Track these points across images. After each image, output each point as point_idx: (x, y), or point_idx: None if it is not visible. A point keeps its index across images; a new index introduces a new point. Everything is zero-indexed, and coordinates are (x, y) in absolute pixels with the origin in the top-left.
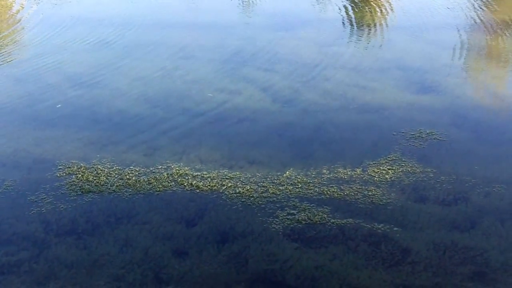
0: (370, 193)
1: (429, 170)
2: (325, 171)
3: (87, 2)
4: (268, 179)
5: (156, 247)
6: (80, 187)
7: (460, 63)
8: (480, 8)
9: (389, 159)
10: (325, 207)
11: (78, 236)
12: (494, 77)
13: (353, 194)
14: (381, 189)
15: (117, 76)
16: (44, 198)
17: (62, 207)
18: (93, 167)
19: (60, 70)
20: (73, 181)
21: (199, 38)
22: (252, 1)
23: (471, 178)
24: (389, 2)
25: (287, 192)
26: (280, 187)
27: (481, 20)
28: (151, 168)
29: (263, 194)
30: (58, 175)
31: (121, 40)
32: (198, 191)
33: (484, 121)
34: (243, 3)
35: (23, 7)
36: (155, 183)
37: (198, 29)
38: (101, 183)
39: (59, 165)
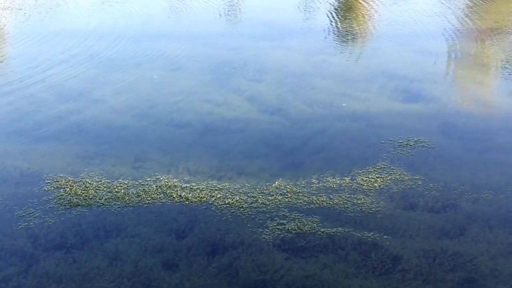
0: (359, 202)
1: (417, 177)
2: (314, 180)
3: (71, 14)
4: (257, 189)
5: (146, 260)
6: (68, 201)
7: (447, 70)
8: (466, 15)
9: (378, 167)
10: (314, 216)
11: (67, 250)
12: (481, 84)
13: (342, 203)
14: (370, 197)
15: (104, 88)
16: (32, 213)
17: (50, 221)
18: (81, 180)
19: (46, 83)
20: (61, 195)
21: (186, 49)
22: (239, 11)
23: (460, 185)
24: (375, 11)
25: (277, 202)
26: (270, 197)
27: (467, 27)
28: (139, 181)
29: (252, 205)
30: (46, 189)
31: (107, 52)
32: (187, 202)
33: (472, 128)
34: (229, 13)
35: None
36: (144, 196)
37: (185, 40)
38: (90, 197)
39: (47, 179)
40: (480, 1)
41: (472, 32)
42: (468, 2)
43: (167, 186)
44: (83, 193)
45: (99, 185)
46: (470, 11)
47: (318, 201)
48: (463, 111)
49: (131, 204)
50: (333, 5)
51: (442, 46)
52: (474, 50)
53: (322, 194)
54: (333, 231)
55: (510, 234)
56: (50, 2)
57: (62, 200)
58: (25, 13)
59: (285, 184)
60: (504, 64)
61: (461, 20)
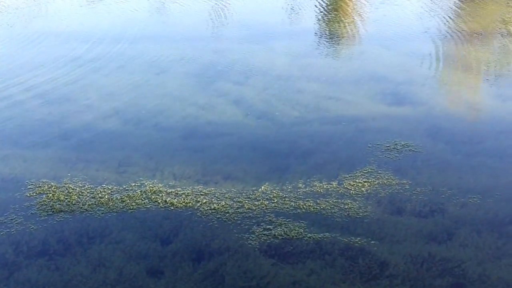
0: (346, 207)
1: (405, 182)
2: (300, 185)
3: (55, 16)
4: (243, 194)
5: (130, 266)
6: (51, 206)
7: (434, 73)
8: (454, 18)
9: (365, 171)
10: (301, 221)
11: (50, 257)
12: (468, 87)
13: (329, 207)
14: (357, 202)
15: (87, 91)
16: (14, 219)
17: (32, 228)
18: (64, 186)
19: (28, 86)
20: (44, 200)
21: (171, 52)
22: (224, 14)
23: (447, 189)
24: (361, 14)
25: (263, 207)
26: (256, 202)
27: (454, 30)
28: (124, 186)
29: (238, 210)
30: (28, 194)
31: (90, 54)
32: (172, 208)
33: (459, 131)
34: (215, 16)
35: None
36: (128, 201)
37: (169, 43)
38: (73, 202)
39: (29, 185)
40: (467, 4)
41: (460, 34)
42: (455, 5)
43: (152, 191)
44: (66, 198)
45: (82, 191)
46: (458, 13)
47: (305, 206)
48: (450, 114)
49: (115, 210)
50: (319, 7)
51: (429, 49)
52: (461, 52)
53: (309, 199)
54: (320, 236)
55: (498, 239)
56: (31, 3)
57: (45, 206)
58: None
59: (272, 188)
60: (491, 67)
61: (449, 23)
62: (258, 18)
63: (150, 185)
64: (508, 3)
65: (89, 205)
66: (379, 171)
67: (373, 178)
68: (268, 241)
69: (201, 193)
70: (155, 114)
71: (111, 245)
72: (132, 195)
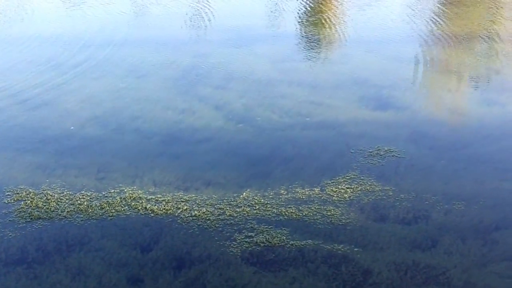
0: (329, 213)
1: (388, 188)
2: (283, 191)
3: (33, 20)
4: (224, 200)
5: (110, 274)
6: (29, 213)
7: (417, 77)
8: (437, 21)
9: (348, 177)
10: (283, 228)
11: (28, 265)
12: (452, 92)
13: (312, 214)
14: (340, 208)
15: (66, 96)
16: None
17: (10, 235)
18: (42, 192)
19: (7, 91)
20: (22, 207)
21: (151, 55)
22: (205, 18)
23: (431, 196)
24: (343, 17)
25: (245, 214)
26: (237, 209)
27: (438, 33)
28: (103, 192)
29: (220, 217)
30: (6, 201)
31: (70, 59)
32: (152, 215)
33: (443, 136)
34: (196, 20)
35: None
36: (108, 208)
37: (149, 47)
38: (51, 209)
39: (7, 191)
40: (451, 8)
41: (443, 38)
42: (439, 8)
43: (132, 198)
44: (45, 205)
45: (61, 197)
46: (441, 17)
47: (287, 213)
48: (434, 119)
49: (94, 217)
50: (301, 11)
51: (412, 52)
52: (445, 56)
53: (291, 206)
54: (302, 243)
55: (483, 246)
56: (15, 7)
57: (23, 213)
58: None
59: (253, 195)
60: (475, 71)
61: (432, 26)
62: (240, 22)
63: (130, 192)
64: (490, 6)
65: (68, 212)
66: (362, 177)
67: (356, 184)
68: (250, 249)
69: (182, 199)
70: (135, 119)
71: (90, 253)
72: (112, 202)
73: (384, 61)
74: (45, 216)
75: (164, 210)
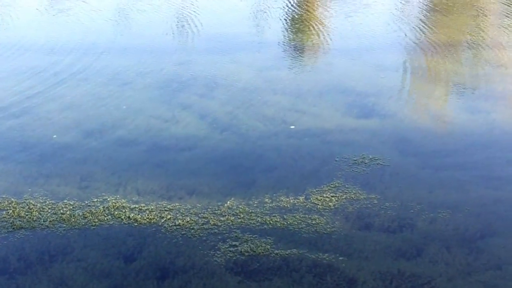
0: (313, 222)
1: (373, 196)
2: (267, 200)
3: (17, 27)
4: (208, 209)
5: (93, 285)
6: (11, 223)
7: (402, 85)
8: (421, 29)
9: (332, 186)
10: (268, 237)
11: (10, 276)
12: (436, 99)
13: (296, 223)
14: (325, 217)
15: (48, 104)
16: None
17: None
18: (24, 201)
19: None
20: (4, 217)
21: (134, 63)
22: (189, 25)
23: (416, 204)
24: (330, 24)
25: (229, 223)
26: (222, 218)
27: (422, 41)
28: (86, 202)
29: (204, 226)
30: None
31: (52, 67)
32: (136, 224)
33: (428, 144)
34: (179, 27)
35: None
36: (91, 217)
37: (132, 54)
38: (34, 219)
39: None
40: (437, 15)
41: (427, 46)
42: (423, 16)
43: (115, 207)
44: (27, 215)
45: (43, 207)
46: (425, 25)
47: (271, 222)
48: (419, 127)
49: (77, 227)
50: (286, 19)
51: (397, 60)
52: (429, 64)
53: (276, 214)
54: (287, 253)
55: (468, 255)
56: None
57: (5, 223)
58: None
59: (238, 204)
60: (459, 79)
61: (416, 34)
62: (226, 30)
63: (113, 201)
64: (476, 14)
65: (50, 221)
66: (347, 186)
67: (340, 192)
68: (234, 258)
69: (165, 208)
70: (118, 127)
71: (73, 263)
72: (95, 211)
73: (370, 69)
74: (27, 226)
75: (147, 219)
